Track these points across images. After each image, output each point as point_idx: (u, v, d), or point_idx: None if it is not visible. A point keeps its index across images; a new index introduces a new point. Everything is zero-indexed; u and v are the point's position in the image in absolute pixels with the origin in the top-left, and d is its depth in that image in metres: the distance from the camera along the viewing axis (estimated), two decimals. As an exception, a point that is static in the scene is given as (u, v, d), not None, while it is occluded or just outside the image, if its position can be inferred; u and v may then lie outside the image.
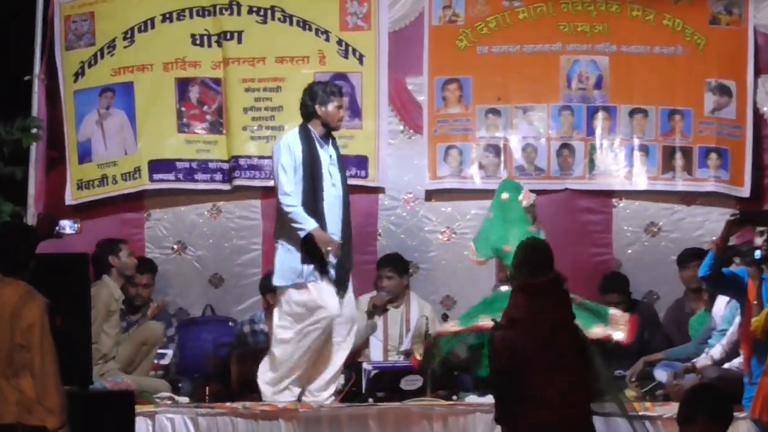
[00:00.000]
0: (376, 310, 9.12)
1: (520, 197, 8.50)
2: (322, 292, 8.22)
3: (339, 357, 8.39)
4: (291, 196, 8.17)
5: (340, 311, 8.24)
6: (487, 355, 6.87)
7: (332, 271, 8.23)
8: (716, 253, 7.34)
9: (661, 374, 8.36)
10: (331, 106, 8.30)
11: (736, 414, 6.82)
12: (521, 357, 6.02)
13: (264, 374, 8.34)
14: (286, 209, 8.18)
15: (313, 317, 8.22)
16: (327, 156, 8.32)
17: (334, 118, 8.34)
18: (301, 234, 8.07)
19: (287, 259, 8.28)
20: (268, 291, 8.91)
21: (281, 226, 8.34)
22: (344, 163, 8.73)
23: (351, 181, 8.92)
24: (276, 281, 8.38)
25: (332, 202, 8.27)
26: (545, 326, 6.10)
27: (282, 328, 8.29)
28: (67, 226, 7.14)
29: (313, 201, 8.21)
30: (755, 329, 6.96)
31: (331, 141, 8.39)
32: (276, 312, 8.40)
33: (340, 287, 8.28)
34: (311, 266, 8.19)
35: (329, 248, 8.05)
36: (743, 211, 7.57)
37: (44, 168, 9.65)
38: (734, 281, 7.37)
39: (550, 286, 6.24)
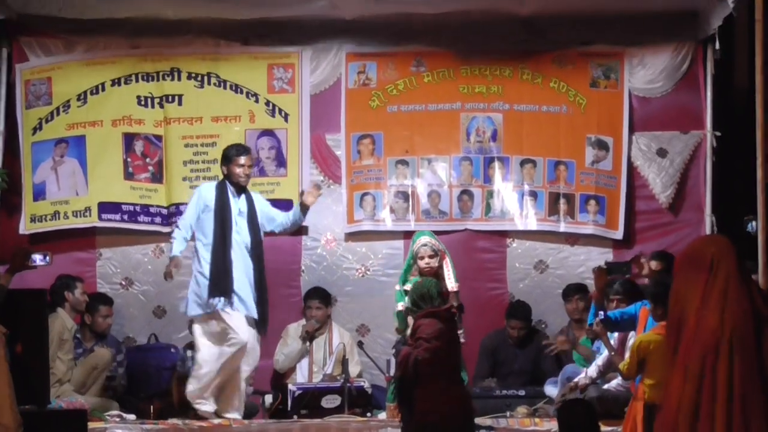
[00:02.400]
0: (308, 336, 9.50)
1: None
2: (233, 318, 8.73)
3: (244, 383, 8.85)
4: (179, 226, 9.02)
5: (248, 338, 8.72)
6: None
7: (241, 304, 8.76)
8: (596, 303, 7.65)
9: (551, 391, 8.91)
10: (234, 166, 8.92)
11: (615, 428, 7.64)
12: (421, 368, 6.88)
13: (189, 386, 8.81)
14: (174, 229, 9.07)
15: (227, 341, 8.71)
16: (237, 208, 8.89)
17: (236, 176, 8.93)
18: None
19: (198, 291, 8.82)
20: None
21: (195, 259, 8.92)
22: (273, 206, 9.32)
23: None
24: (190, 311, 8.88)
25: (237, 247, 8.83)
26: (443, 343, 6.97)
27: (205, 347, 8.80)
28: (38, 258, 7.36)
29: (221, 242, 8.81)
30: (625, 373, 7.05)
31: (245, 196, 8.94)
32: (197, 334, 8.86)
33: (262, 324, 8.81)
34: (220, 298, 8.75)
35: (172, 268, 8.91)
36: (609, 264, 7.89)
37: (6, 213, 10.04)
38: (624, 320, 7.53)
39: (446, 313, 7.15)
